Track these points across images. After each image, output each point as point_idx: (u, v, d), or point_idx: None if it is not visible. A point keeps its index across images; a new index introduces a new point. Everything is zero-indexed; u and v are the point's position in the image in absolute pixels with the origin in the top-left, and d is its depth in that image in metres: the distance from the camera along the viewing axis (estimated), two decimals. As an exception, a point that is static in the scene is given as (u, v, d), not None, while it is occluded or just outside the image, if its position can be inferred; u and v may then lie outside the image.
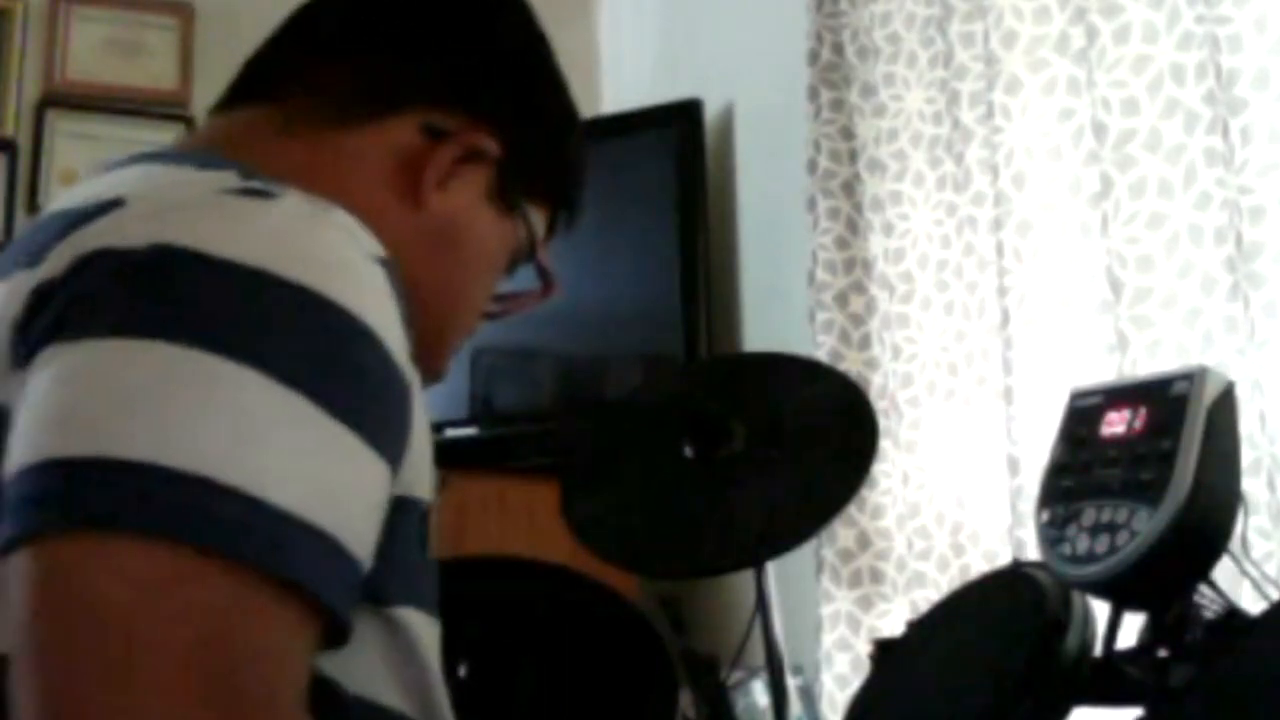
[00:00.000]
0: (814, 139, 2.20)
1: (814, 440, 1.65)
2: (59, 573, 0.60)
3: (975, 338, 1.91)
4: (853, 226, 2.16)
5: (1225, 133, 1.53)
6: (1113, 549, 1.00)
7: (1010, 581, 1.16)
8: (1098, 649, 1.06)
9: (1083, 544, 1.02)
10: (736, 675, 1.93)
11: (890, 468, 2.00)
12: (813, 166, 2.19)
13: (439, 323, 0.89)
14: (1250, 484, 1.36)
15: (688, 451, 1.65)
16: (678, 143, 2.60)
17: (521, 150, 0.91)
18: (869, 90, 2.13)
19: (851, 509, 1.98)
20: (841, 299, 2.14)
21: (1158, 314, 1.58)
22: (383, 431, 0.68)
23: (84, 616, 0.59)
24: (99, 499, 0.60)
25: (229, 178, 0.74)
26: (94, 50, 2.84)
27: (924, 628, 1.24)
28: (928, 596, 1.87)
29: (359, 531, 0.67)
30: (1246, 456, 1.25)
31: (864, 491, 1.97)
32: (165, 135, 2.79)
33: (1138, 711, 1.00)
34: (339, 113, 0.86)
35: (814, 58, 2.22)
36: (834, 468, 1.63)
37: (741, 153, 2.65)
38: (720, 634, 2.20)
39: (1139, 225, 1.60)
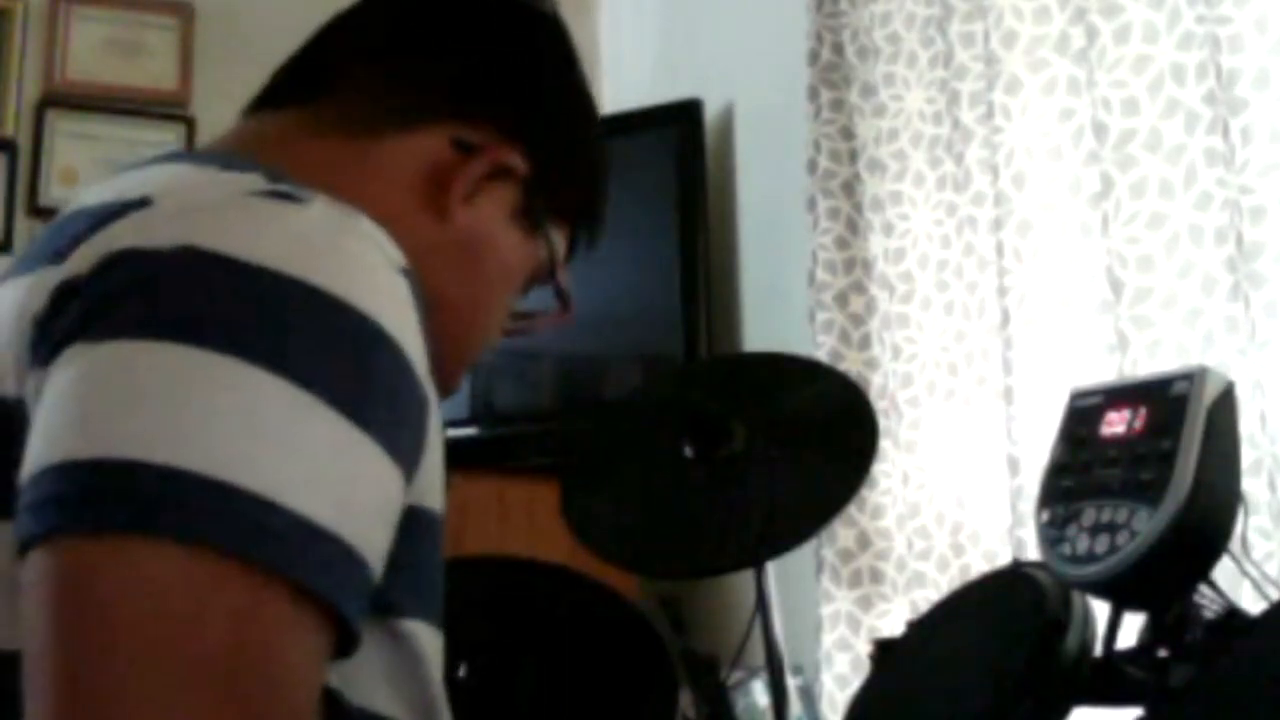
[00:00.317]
0: (814, 139, 2.20)
1: (814, 440, 1.65)
2: (77, 574, 0.60)
3: (975, 338, 1.91)
4: (853, 226, 2.16)
5: (1226, 133, 1.53)
6: (1113, 549, 1.00)
7: (1010, 581, 1.16)
8: (1098, 649, 1.05)
9: (1083, 544, 1.02)
10: (736, 675, 1.93)
11: (890, 468, 2.00)
12: (813, 166, 2.19)
13: (455, 337, 0.89)
14: (1250, 484, 1.36)
15: (688, 451, 1.65)
16: (678, 143, 2.60)
17: (549, 171, 0.90)
18: (869, 90, 2.13)
19: (851, 509, 1.98)
20: (841, 299, 2.14)
21: (1158, 314, 1.58)
22: (400, 439, 0.68)
23: (101, 618, 0.58)
24: (118, 501, 0.60)
25: (256, 180, 0.73)
26: (94, 50, 2.84)
27: (924, 628, 1.24)
28: (928, 596, 1.87)
29: (373, 539, 0.66)
30: (1247, 456, 1.26)
31: (864, 491, 1.97)
32: (165, 135, 2.79)
33: (1138, 711, 1.00)
34: (370, 120, 0.86)
35: (814, 58, 2.22)
36: (834, 468, 1.63)
37: (741, 153, 2.65)
38: (720, 634, 2.20)
39: (1139, 225, 1.60)
